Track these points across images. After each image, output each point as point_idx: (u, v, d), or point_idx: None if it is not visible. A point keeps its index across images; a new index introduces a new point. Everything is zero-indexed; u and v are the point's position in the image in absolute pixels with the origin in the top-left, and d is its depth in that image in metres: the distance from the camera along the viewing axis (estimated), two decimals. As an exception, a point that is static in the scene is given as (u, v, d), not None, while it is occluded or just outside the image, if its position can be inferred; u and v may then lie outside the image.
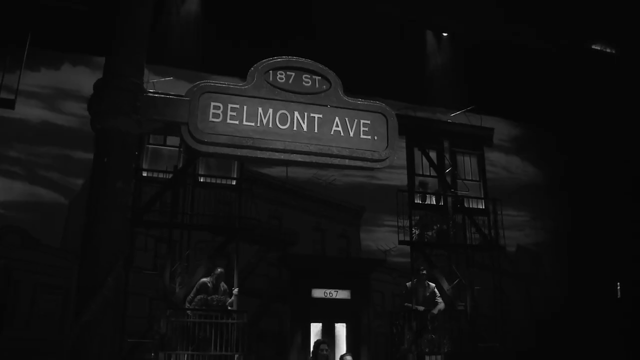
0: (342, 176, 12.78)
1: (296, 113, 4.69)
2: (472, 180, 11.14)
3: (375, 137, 4.71)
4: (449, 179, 10.87)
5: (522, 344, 12.64)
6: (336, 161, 4.68)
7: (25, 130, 11.23)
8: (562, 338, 12.68)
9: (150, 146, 9.86)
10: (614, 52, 13.62)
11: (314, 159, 4.58)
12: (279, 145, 4.44)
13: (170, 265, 8.95)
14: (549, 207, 15.01)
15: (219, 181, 9.67)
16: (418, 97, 12.53)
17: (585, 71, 13.73)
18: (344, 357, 7.91)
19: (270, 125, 4.55)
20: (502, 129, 14.28)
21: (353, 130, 4.61)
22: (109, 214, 4.21)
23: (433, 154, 10.91)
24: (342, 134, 4.61)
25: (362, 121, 4.70)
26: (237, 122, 4.47)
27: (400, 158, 11.19)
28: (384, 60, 11.76)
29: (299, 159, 4.60)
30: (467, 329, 10.24)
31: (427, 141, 10.93)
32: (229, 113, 4.55)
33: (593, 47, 13.55)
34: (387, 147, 4.56)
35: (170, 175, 9.42)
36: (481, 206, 11.06)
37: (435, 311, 9.78)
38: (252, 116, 4.49)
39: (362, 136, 4.64)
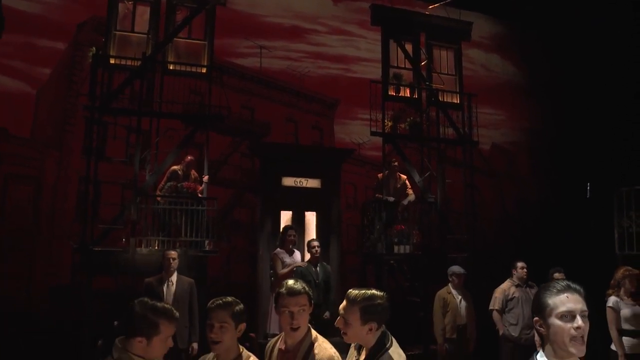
0: (317, 68, 12.60)
1: None
2: (447, 74, 10.97)
3: None
4: (424, 72, 10.72)
5: (493, 239, 12.98)
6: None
7: (-14, 18, 10.77)
8: (534, 236, 12.98)
9: (117, 33, 9.51)
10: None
11: None
12: None
13: (139, 152, 8.88)
14: (527, 107, 14.98)
15: (189, 69, 9.41)
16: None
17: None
18: (311, 243, 8.02)
19: None
20: (482, 26, 13.98)
21: None
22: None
23: (409, 46, 10.68)
24: None
25: None
26: None
27: (376, 50, 11.03)
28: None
29: None
30: (436, 220, 10.42)
31: (403, 33, 10.65)
32: None
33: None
34: None
35: (139, 63, 9.18)
36: (456, 101, 10.95)
37: (405, 202, 9.90)
38: None
39: None
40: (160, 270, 7.24)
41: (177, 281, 7.02)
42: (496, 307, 7.82)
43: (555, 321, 2.18)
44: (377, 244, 9.71)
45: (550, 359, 2.22)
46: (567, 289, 2.22)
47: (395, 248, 9.79)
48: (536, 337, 6.91)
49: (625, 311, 6.56)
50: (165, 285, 6.91)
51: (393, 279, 10.34)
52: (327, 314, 7.88)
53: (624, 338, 6.51)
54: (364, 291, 3.13)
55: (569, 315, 2.16)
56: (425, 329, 8.52)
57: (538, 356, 2.27)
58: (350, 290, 3.19)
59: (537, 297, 2.29)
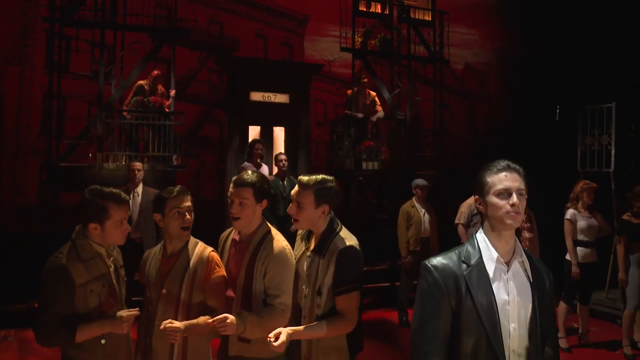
0: (287, -17, 12.25)
1: None
2: (420, -10, 10.74)
3: None
4: (395, -13, 10.49)
5: (462, 157, 13.12)
6: None
7: None
8: (502, 155, 13.07)
9: (77, -59, 9.08)
10: None
11: None
12: None
13: (104, 67, 8.69)
14: (500, 27, 14.82)
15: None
16: None
17: None
18: (279, 156, 8.01)
19: None
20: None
21: None
22: None
23: (381, -39, 10.39)
24: None
25: None
26: None
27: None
28: None
29: None
30: (405, 138, 10.47)
31: (375, -53, 10.35)
32: None
33: None
34: None
35: (101, -27, 8.83)
36: (428, 18, 10.78)
37: (374, 119, 9.89)
38: None
39: None
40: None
41: (142, 192, 7.03)
42: (462, 221, 7.92)
43: (492, 198, 2.25)
44: (346, 160, 9.74)
45: (488, 234, 2.30)
46: (506, 168, 2.28)
47: (364, 164, 9.84)
48: None
49: (581, 223, 6.80)
50: (131, 196, 6.91)
51: (361, 195, 10.46)
52: (293, 226, 7.97)
53: (577, 248, 6.78)
54: (314, 176, 3.21)
55: (506, 193, 2.23)
56: (393, 245, 8.64)
57: (477, 234, 2.35)
58: (301, 176, 3.26)
59: (477, 177, 2.35)
